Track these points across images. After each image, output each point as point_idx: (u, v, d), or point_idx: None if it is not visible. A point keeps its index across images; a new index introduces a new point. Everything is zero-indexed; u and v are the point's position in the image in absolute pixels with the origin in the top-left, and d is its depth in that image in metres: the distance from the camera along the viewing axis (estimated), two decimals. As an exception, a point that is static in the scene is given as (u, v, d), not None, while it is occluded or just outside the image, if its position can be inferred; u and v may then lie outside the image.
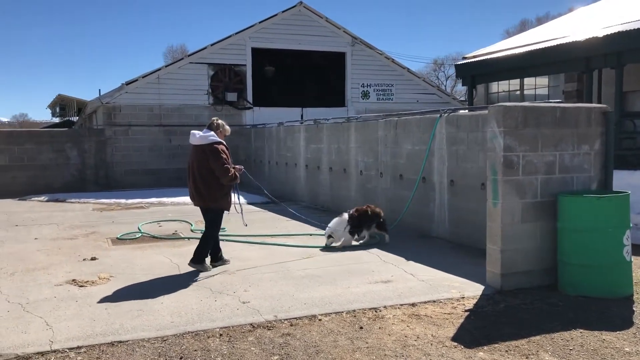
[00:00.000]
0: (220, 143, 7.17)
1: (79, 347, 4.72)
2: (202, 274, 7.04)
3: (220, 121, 7.39)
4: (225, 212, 7.43)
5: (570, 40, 13.87)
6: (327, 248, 8.56)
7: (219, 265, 7.44)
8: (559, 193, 6.33)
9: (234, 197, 7.55)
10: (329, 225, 8.74)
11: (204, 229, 7.50)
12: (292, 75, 24.55)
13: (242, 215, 7.86)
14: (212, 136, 7.16)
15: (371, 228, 8.93)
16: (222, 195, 7.24)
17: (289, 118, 18.47)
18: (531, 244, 6.36)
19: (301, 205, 14.05)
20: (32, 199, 16.00)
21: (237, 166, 7.41)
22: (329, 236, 8.63)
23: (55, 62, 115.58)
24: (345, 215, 8.76)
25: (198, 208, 7.49)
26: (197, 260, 7.25)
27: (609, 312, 5.55)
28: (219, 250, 7.58)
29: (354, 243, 8.77)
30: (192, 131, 7.32)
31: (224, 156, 7.08)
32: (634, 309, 5.67)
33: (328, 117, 14.94)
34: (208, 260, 7.40)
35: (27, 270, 7.39)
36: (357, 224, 8.73)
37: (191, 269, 7.26)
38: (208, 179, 7.10)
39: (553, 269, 6.40)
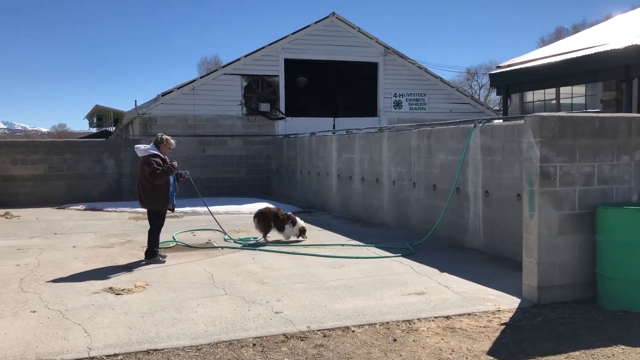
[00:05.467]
0: (155, 155, 8.39)
1: (116, 355, 4.81)
2: (234, 284, 7.10)
3: (165, 137, 8.70)
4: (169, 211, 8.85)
5: (609, 49, 13.60)
6: (359, 258, 8.60)
7: (153, 262, 8.43)
8: (598, 205, 6.19)
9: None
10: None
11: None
12: (324, 85, 24.65)
13: (215, 220, 10.06)
14: (151, 149, 8.47)
15: (269, 228, 10.07)
16: (156, 199, 8.48)
17: (321, 128, 18.53)
18: (569, 256, 6.23)
19: (333, 215, 14.06)
20: (70, 207, 16.39)
21: (183, 172, 8.90)
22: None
23: (93, 74, 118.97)
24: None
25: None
26: (148, 255, 8.53)
27: (652, 328, 5.39)
28: (158, 247, 8.72)
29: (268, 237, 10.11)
30: (136, 145, 8.70)
31: (154, 165, 8.28)
32: (678, 325, 5.49)
33: (360, 127, 14.94)
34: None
35: (65, 278, 7.56)
36: (258, 221, 10.14)
37: (224, 278, 7.36)
38: (145, 185, 8.42)
39: (592, 282, 6.25)
